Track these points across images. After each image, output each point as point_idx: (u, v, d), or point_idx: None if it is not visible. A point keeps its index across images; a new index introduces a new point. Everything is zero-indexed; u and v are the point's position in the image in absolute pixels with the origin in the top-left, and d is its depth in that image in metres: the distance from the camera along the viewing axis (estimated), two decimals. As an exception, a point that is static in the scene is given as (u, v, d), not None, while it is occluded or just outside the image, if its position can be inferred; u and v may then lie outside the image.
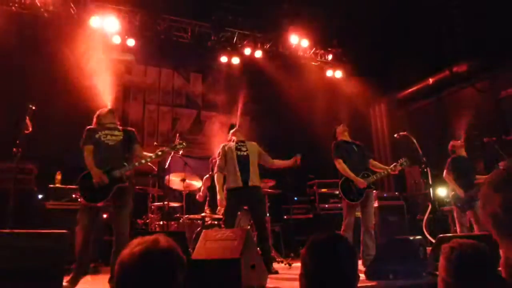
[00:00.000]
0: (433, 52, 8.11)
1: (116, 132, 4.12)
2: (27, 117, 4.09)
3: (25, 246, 3.06)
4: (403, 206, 7.31)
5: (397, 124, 8.69)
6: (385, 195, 7.52)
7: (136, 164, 4.08)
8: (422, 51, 7.99)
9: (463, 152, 5.85)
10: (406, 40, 8.14)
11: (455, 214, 5.64)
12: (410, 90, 9.01)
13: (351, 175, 4.95)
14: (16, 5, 6.79)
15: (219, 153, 5.22)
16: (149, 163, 6.22)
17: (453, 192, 5.64)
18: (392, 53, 8.24)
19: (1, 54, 6.41)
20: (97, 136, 4.02)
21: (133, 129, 4.38)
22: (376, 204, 7.19)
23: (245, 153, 5.11)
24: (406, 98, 9.25)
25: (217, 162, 5.19)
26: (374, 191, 5.18)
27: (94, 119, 4.23)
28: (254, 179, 5.00)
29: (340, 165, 5.07)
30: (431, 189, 4.55)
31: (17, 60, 6.64)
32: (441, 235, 4.11)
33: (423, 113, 8.87)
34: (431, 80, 8.41)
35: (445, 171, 5.72)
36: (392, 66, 8.26)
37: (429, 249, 4.11)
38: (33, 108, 4.16)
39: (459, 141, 6.00)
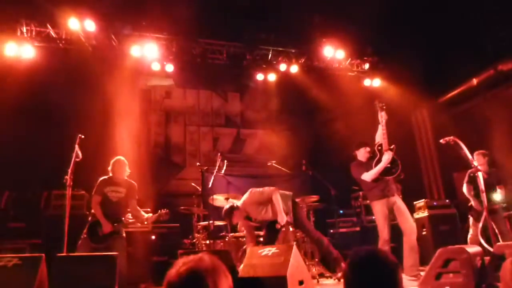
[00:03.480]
0: (476, 50, 7.73)
1: (120, 189, 4.74)
2: (77, 146, 4.36)
3: (78, 268, 3.22)
4: (455, 214, 6.95)
5: (441, 129, 8.34)
6: (435, 203, 7.19)
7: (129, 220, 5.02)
8: (464, 50, 7.65)
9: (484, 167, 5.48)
10: (445, 39, 7.84)
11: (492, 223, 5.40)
12: (453, 92, 8.65)
13: None
14: (63, 41, 7.26)
15: None
16: (192, 184, 6.36)
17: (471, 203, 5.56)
18: (432, 55, 7.96)
19: (51, 88, 6.86)
20: (105, 190, 4.66)
21: (135, 184, 4.87)
22: (426, 214, 6.93)
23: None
24: (449, 102, 8.87)
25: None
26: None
27: (110, 168, 4.75)
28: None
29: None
30: (484, 195, 4.31)
31: (65, 93, 7.04)
32: (499, 243, 3.88)
33: (468, 116, 8.46)
34: (475, 81, 8.05)
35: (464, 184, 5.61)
36: (432, 69, 7.97)
37: (487, 258, 3.87)
38: (82, 137, 4.44)
39: (482, 156, 5.55)
